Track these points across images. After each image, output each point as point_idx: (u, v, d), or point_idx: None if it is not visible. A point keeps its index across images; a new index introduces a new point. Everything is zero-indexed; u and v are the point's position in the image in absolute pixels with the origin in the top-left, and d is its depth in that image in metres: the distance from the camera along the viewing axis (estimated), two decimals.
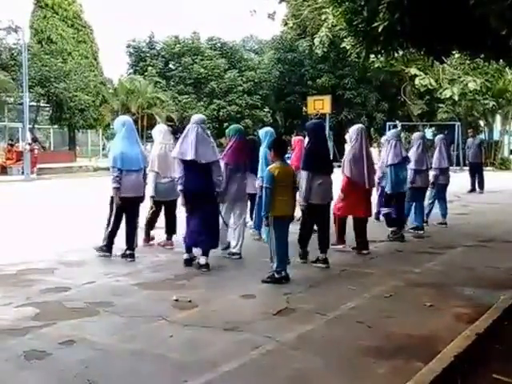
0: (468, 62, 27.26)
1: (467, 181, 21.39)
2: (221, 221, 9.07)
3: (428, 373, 4.66)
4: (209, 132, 10.56)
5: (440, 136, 13.91)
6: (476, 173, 21.65)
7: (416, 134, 12.66)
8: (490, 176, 22.81)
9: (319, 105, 36.39)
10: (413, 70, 31.90)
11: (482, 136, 31.99)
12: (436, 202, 12.79)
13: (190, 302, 6.80)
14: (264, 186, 7.68)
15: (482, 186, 21.25)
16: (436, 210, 12.84)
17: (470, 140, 23.61)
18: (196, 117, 8.86)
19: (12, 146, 33.79)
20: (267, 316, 6.31)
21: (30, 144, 30.49)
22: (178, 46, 44.96)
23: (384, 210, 11.16)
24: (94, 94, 39.81)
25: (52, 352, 5.21)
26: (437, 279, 8.03)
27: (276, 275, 7.61)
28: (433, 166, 12.52)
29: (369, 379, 4.73)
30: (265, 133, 10.71)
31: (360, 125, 10.57)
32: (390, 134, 11.70)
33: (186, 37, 46.07)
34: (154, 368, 4.91)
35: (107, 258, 9.20)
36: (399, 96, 39.29)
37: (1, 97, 34.06)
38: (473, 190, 21.25)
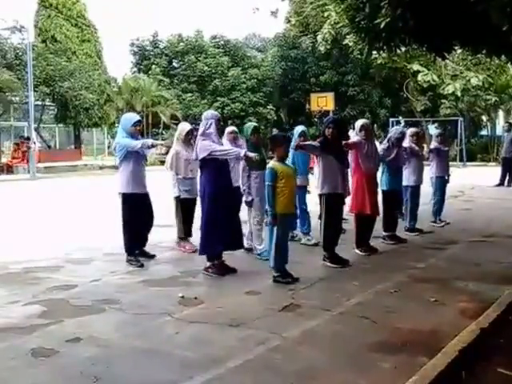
0: (470, 57, 27.19)
1: (470, 176, 21.32)
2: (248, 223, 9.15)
3: (433, 367, 4.68)
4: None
5: (436, 131, 13.82)
6: (508, 167, 21.58)
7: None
8: (493, 171, 22.75)
9: (322, 102, 36.30)
10: (415, 66, 31.78)
11: None
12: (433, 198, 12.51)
13: (195, 298, 6.85)
14: (266, 183, 7.63)
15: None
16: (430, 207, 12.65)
17: (505, 134, 23.50)
18: (210, 112, 8.52)
19: (18, 144, 33.86)
20: (272, 312, 6.35)
21: (34, 143, 30.53)
22: (181, 44, 44.92)
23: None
24: (98, 93, 39.79)
25: (59, 349, 5.26)
26: (441, 274, 8.04)
27: (276, 273, 7.61)
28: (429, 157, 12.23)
29: (374, 374, 4.75)
30: (295, 130, 10.67)
31: (365, 120, 10.52)
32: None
33: (189, 35, 45.99)
34: (160, 364, 4.95)
35: (112, 256, 9.24)
36: (402, 92, 39.11)
37: (6, 96, 34.08)
38: (501, 183, 21.24)
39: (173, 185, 9.57)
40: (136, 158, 8.73)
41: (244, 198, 9.13)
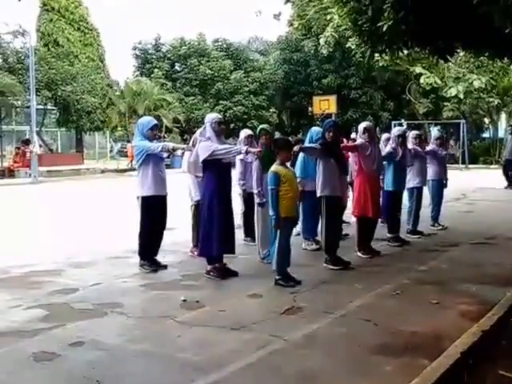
0: (473, 60, 27.21)
1: (472, 178, 21.33)
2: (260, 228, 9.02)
3: (435, 370, 4.68)
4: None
5: (435, 134, 13.78)
6: (510, 169, 21.85)
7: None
8: (495, 174, 22.76)
9: (325, 105, 36.27)
10: (418, 69, 31.74)
11: None
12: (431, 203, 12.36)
13: (197, 302, 6.84)
14: (269, 187, 7.58)
15: None
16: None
17: (509, 137, 23.83)
18: (207, 116, 8.45)
19: (19, 148, 33.88)
20: (274, 315, 6.34)
21: (40, 146, 30.56)
22: (183, 47, 45.00)
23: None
24: (100, 97, 39.89)
25: (61, 353, 5.26)
26: (442, 277, 8.04)
27: (278, 276, 7.60)
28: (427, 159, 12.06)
29: (376, 377, 4.74)
30: (315, 132, 9.87)
31: (368, 122, 10.47)
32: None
33: (191, 38, 46.10)
34: (162, 368, 4.95)
35: (114, 260, 9.24)
36: (404, 95, 39.18)
37: (8, 100, 34.16)
38: (510, 185, 21.62)
39: (194, 189, 9.35)
40: (155, 161, 8.55)
41: (257, 200, 9.01)
